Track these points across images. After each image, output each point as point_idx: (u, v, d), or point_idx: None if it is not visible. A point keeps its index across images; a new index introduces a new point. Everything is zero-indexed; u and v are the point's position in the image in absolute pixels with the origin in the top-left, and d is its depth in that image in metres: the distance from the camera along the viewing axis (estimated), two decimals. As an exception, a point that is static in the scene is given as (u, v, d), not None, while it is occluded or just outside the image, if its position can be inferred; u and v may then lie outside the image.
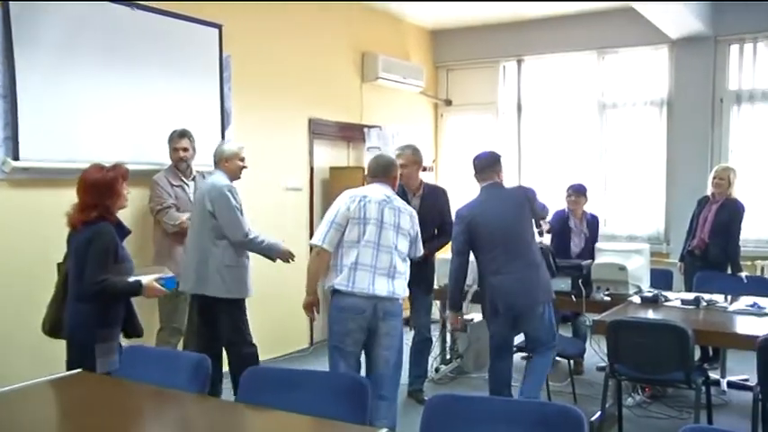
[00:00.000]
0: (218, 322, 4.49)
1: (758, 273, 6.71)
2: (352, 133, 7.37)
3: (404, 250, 3.94)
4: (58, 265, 3.68)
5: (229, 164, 4.56)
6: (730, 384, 5.30)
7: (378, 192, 3.96)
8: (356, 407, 2.54)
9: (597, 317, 4.42)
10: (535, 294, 4.32)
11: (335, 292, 3.85)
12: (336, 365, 3.88)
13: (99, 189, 3.44)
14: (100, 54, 4.81)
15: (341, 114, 7.20)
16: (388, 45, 7.79)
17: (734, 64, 7.14)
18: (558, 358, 4.96)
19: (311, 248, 4.01)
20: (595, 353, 5.43)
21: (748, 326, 4.23)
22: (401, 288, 3.91)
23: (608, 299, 5.04)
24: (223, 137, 5.66)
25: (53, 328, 3.57)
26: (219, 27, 5.62)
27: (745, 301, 4.77)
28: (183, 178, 4.96)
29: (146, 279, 3.53)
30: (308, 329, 6.69)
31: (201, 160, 5.12)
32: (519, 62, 8.27)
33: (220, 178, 4.49)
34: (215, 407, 2.89)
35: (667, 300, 4.89)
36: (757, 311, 4.50)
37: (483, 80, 8.50)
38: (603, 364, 4.36)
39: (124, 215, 3.76)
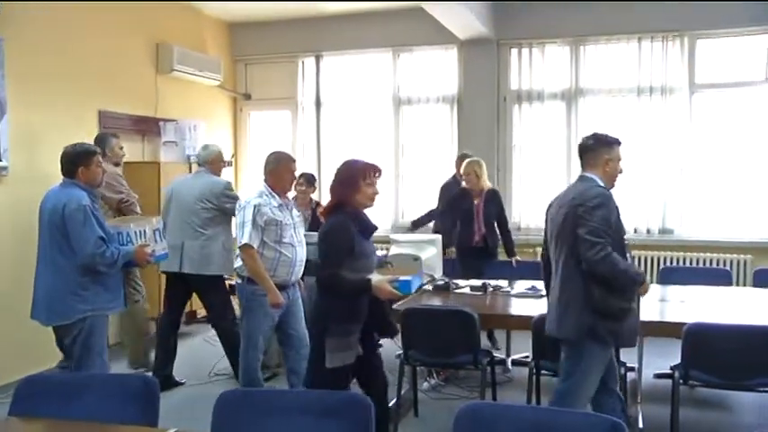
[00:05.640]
0: None
1: (537, 258, 7.27)
2: (147, 127, 7.07)
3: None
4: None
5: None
6: (514, 362, 5.73)
7: None
8: (146, 408, 2.46)
9: (393, 306, 4.58)
10: None
11: None
12: None
13: (343, 180, 3.49)
14: None
15: (134, 107, 6.88)
16: (184, 36, 7.55)
17: (514, 66, 7.70)
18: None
19: None
20: (393, 342, 5.62)
21: (526, 308, 4.60)
22: None
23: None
24: (-3, 129, 5.20)
25: None
26: (-11, 8, 5.15)
27: (524, 285, 5.18)
28: None
29: (376, 278, 3.44)
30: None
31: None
32: (317, 58, 8.34)
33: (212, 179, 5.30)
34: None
35: (458, 287, 5.19)
36: (534, 294, 4.91)
37: (282, 75, 8.50)
38: (401, 352, 4.54)
39: None
